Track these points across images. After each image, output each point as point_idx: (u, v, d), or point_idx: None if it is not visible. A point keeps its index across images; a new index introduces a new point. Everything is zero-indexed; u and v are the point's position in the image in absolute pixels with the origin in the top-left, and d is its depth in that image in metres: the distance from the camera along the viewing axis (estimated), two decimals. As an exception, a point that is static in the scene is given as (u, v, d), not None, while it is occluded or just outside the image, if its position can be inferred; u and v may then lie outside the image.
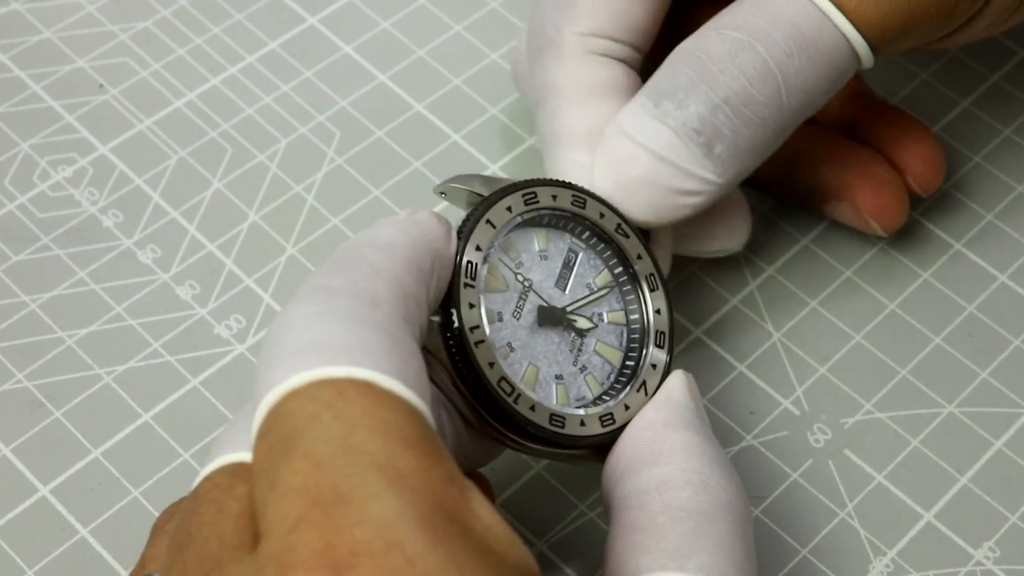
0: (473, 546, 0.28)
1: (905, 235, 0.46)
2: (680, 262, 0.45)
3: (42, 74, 0.49)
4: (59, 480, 0.40)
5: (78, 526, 0.40)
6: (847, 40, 0.38)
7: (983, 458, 0.42)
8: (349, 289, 0.31)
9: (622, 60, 0.40)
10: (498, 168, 0.47)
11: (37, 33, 0.50)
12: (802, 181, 0.44)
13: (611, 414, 0.36)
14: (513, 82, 0.46)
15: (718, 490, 0.34)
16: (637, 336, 0.38)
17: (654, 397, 0.36)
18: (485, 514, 0.29)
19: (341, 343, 0.30)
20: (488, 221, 0.36)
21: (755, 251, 0.45)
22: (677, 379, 0.37)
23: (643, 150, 0.37)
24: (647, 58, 0.44)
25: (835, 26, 0.38)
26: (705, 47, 0.38)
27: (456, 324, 0.34)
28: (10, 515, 0.40)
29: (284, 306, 0.31)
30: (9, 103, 0.48)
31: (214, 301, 0.44)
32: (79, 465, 0.41)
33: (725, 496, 0.34)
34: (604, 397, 0.37)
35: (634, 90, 0.40)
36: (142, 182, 0.46)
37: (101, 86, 0.49)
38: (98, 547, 0.39)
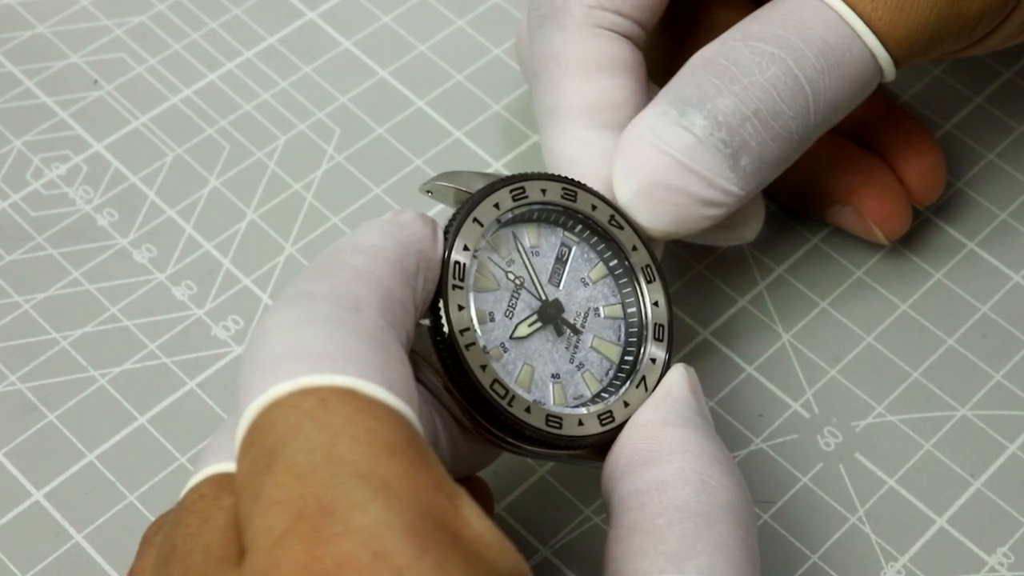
0: (463, 554, 0.27)
1: (917, 235, 0.46)
2: (687, 262, 0.45)
3: (35, 70, 0.49)
4: (53, 484, 0.40)
5: (72, 531, 0.39)
6: (873, 56, 0.38)
7: (997, 462, 0.41)
8: (330, 294, 0.31)
9: (627, 36, 0.40)
10: (501, 166, 0.47)
11: (30, 28, 0.50)
12: (805, 184, 0.44)
13: (610, 412, 0.36)
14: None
15: (719, 489, 0.33)
16: (635, 330, 0.37)
17: (653, 394, 0.36)
18: (475, 521, 0.28)
19: (322, 350, 0.29)
20: (475, 219, 0.35)
21: (764, 251, 0.45)
22: (677, 374, 0.36)
23: (667, 157, 0.37)
24: (656, 57, 0.44)
25: (863, 43, 0.38)
26: (733, 57, 0.38)
27: (445, 327, 0.34)
28: (3, 520, 0.39)
29: (264, 314, 0.31)
30: (1, 99, 0.48)
31: (211, 301, 0.44)
32: (73, 469, 0.40)
33: (726, 495, 0.33)
34: (603, 394, 0.36)
35: (639, 70, 0.40)
36: (137, 180, 0.46)
37: (96, 82, 0.48)
38: (93, 553, 0.39)
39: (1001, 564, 0.39)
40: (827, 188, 0.44)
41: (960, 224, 0.46)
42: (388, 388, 0.29)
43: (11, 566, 0.39)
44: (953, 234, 0.46)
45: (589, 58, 0.39)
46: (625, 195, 0.38)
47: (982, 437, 0.42)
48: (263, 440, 0.29)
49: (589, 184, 0.38)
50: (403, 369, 0.30)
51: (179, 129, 0.47)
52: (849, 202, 0.44)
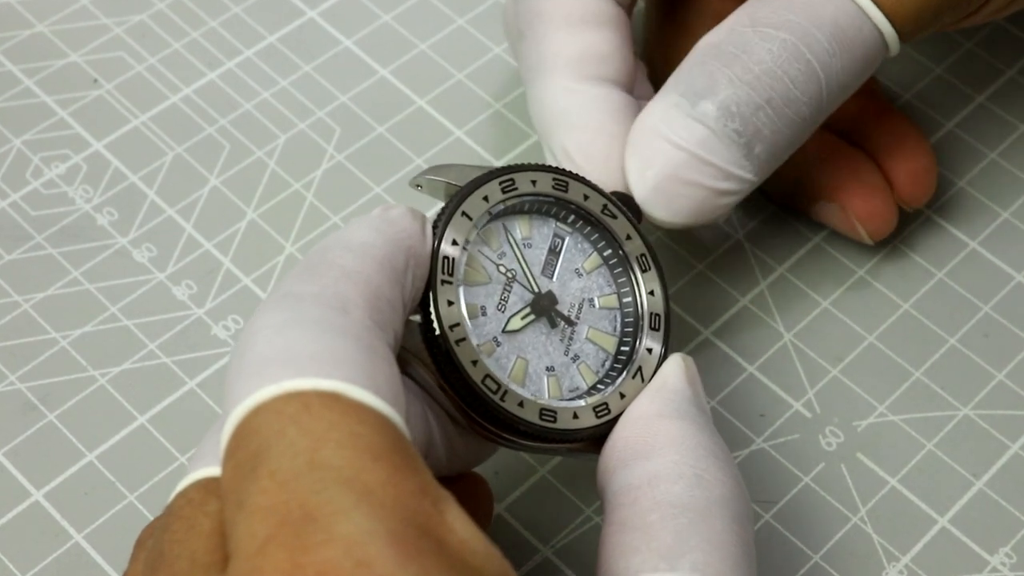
0: (447, 562, 0.27)
1: (919, 233, 0.46)
2: (688, 261, 0.45)
3: (35, 68, 0.48)
4: (53, 484, 0.40)
5: (72, 531, 0.39)
6: (881, 34, 0.38)
7: (999, 462, 0.41)
8: (317, 295, 0.31)
9: None
10: (502, 164, 0.46)
11: (30, 27, 0.49)
12: (793, 179, 0.44)
13: (606, 404, 0.35)
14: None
15: (713, 483, 0.33)
16: (631, 320, 0.37)
17: (648, 385, 0.36)
18: (460, 527, 0.28)
19: (308, 353, 0.29)
20: (464, 213, 0.35)
21: (766, 250, 0.45)
22: (673, 364, 0.36)
23: (682, 152, 0.37)
24: (653, 43, 0.44)
25: (872, 23, 0.38)
26: (742, 44, 0.37)
27: (435, 323, 0.34)
28: (3, 520, 0.39)
29: (252, 315, 0.31)
30: (1, 98, 0.48)
31: (211, 301, 0.43)
32: (73, 469, 0.40)
33: (720, 490, 0.33)
34: (599, 386, 0.36)
35: (623, 26, 0.40)
36: (137, 179, 0.46)
37: (95, 81, 0.48)
38: (92, 552, 0.39)
39: (1003, 564, 0.39)
40: (815, 184, 0.44)
41: (962, 223, 0.46)
42: (374, 391, 0.29)
43: (11, 566, 0.38)
44: (955, 233, 0.46)
45: (573, 12, 0.39)
46: (642, 191, 0.38)
47: (984, 437, 0.42)
48: (247, 445, 0.28)
49: (579, 134, 0.38)
50: (390, 371, 0.30)
51: (179, 128, 0.47)
52: (835, 199, 0.43)
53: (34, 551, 0.39)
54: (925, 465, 0.41)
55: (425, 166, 0.46)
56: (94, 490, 0.40)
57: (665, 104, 0.38)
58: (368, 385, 0.29)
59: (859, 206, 0.43)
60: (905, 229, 0.45)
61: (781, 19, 0.37)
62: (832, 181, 0.43)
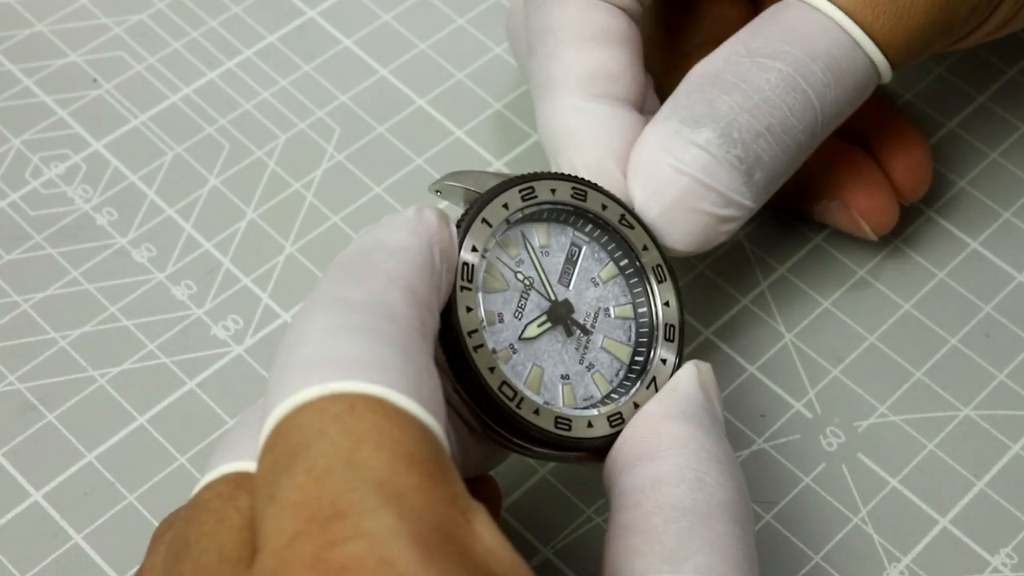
0: (470, 567, 0.27)
1: (920, 234, 0.45)
2: (689, 261, 0.45)
3: (34, 68, 0.48)
4: (52, 485, 0.40)
5: (71, 532, 0.39)
6: (874, 64, 0.39)
7: (1000, 462, 0.41)
8: (366, 302, 0.31)
9: (624, 8, 0.40)
10: (502, 165, 0.47)
11: (29, 26, 0.49)
12: (794, 181, 0.44)
13: (620, 413, 0.35)
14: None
15: (714, 487, 0.33)
16: (646, 331, 0.37)
17: (660, 389, 0.36)
18: (488, 537, 0.28)
19: (356, 358, 0.29)
20: (484, 220, 0.35)
21: (766, 250, 0.45)
22: (687, 371, 0.36)
23: (686, 177, 0.37)
24: (649, 49, 0.43)
25: (865, 53, 0.38)
26: (741, 74, 0.38)
27: (455, 329, 0.34)
28: (2, 520, 0.39)
29: (297, 316, 0.31)
30: (0, 98, 0.48)
31: (211, 301, 0.43)
32: (72, 469, 0.40)
33: (721, 493, 0.33)
34: (613, 395, 0.36)
35: (635, 43, 0.40)
36: (137, 179, 0.46)
37: (95, 80, 0.48)
38: (92, 553, 0.39)
39: (1004, 565, 0.39)
40: (815, 184, 0.44)
41: (963, 223, 0.46)
42: (418, 401, 0.29)
43: (10, 566, 0.38)
44: (956, 233, 0.46)
45: (585, 29, 0.39)
46: (647, 218, 0.38)
47: (985, 437, 0.42)
48: (287, 441, 0.29)
49: (587, 153, 0.38)
50: (432, 382, 0.30)
51: (179, 128, 0.47)
52: (837, 196, 0.44)
53: (34, 551, 0.39)
54: (926, 465, 0.41)
55: (425, 166, 0.46)
56: (94, 490, 0.40)
57: (665, 131, 0.38)
58: (413, 394, 0.29)
59: (862, 202, 0.43)
60: (906, 229, 0.45)
61: (777, 50, 0.38)
62: (834, 180, 0.43)
